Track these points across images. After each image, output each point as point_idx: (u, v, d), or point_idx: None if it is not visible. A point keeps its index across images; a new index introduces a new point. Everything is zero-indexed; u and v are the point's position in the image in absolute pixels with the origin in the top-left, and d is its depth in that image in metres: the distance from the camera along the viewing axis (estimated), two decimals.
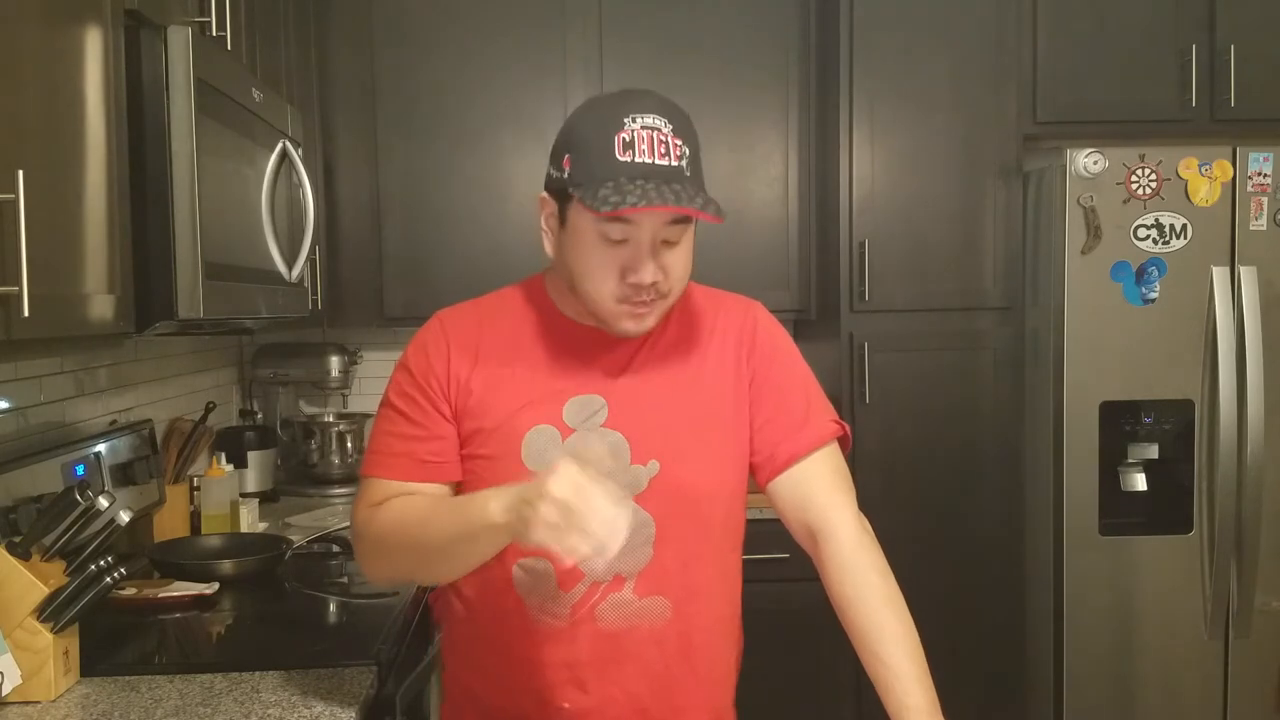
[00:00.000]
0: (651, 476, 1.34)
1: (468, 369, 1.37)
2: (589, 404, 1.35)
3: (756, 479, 1.42)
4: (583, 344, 1.38)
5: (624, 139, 1.25)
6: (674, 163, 1.26)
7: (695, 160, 1.30)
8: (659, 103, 1.29)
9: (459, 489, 1.38)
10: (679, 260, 1.32)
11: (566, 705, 1.35)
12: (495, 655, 1.39)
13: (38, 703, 1.50)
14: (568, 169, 1.29)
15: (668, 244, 1.30)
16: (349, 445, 3.16)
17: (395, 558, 1.35)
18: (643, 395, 1.37)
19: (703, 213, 1.24)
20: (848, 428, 1.44)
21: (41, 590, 1.51)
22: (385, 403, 1.41)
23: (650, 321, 1.34)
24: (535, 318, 1.41)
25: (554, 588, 1.34)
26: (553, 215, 1.35)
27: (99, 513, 1.61)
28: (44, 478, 1.85)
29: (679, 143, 1.28)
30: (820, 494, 1.37)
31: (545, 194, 1.35)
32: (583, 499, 1.09)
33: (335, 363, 3.23)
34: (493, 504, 1.19)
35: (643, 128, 1.26)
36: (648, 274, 1.28)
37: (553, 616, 1.35)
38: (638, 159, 1.25)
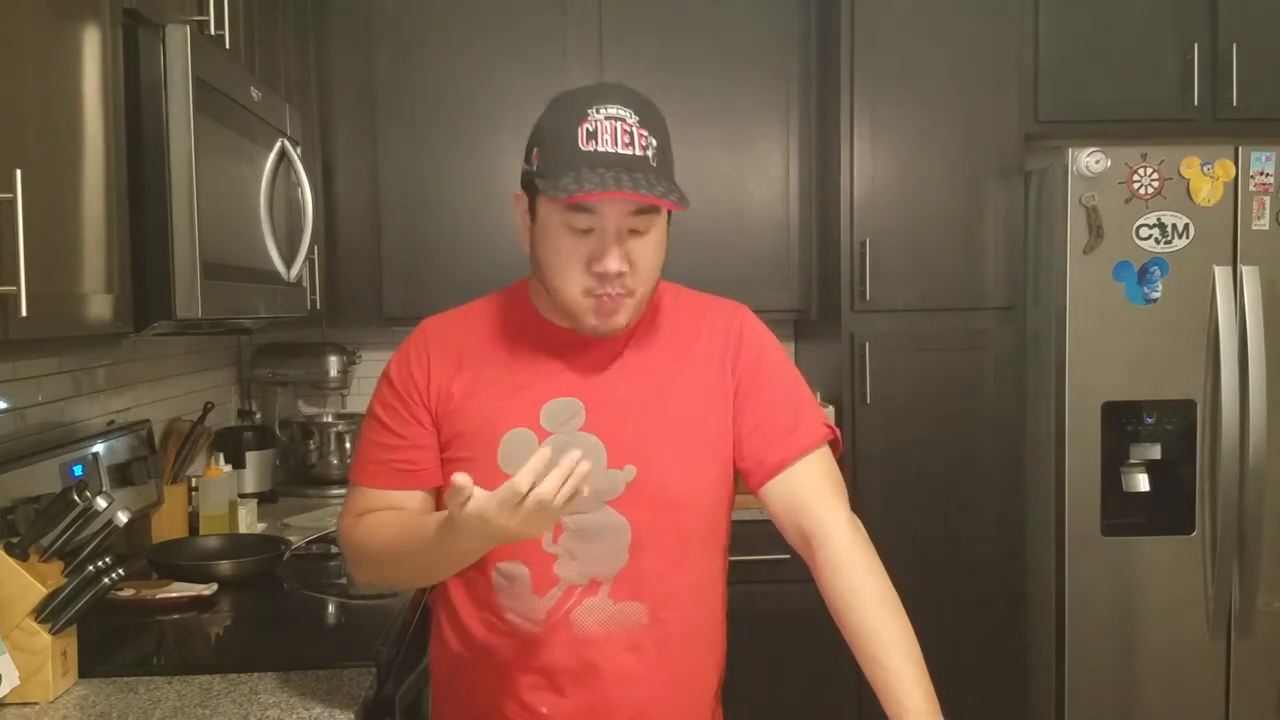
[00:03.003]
0: (628, 481, 1.33)
1: (449, 375, 1.37)
2: (567, 407, 1.34)
3: (748, 484, 1.40)
4: (563, 346, 1.37)
5: (587, 129, 1.25)
6: (638, 152, 1.25)
7: (663, 152, 1.29)
8: (626, 94, 1.29)
9: (440, 493, 1.37)
10: (647, 253, 1.30)
11: (544, 710, 1.35)
12: (477, 660, 1.39)
13: (35, 704, 1.49)
14: (535, 163, 1.30)
15: (635, 234, 1.28)
16: (348, 446, 3.15)
17: (376, 569, 1.39)
18: (622, 398, 1.35)
19: (662, 199, 1.23)
20: (838, 431, 1.43)
21: (39, 591, 1.50)
22: (370, 412, 1.42)
23: (619, 320, 1.32)
24: (516, 321, 1.41)
25: (529, 593, 1.34)
26: (525, 211, 1.35)
27: (97, 513, 1.60)
28: (42, 478, 1.85)
29: (644, 133, 1.27)
30: (813, 498, 1.36)
31: (519, 190, 1.36)
32: (528, 500, 1.09)
33: (334, 363, 3.23)
34: (469, 543, 1.19)
35: (606, 118, 1.26)
36: (612, 263, 1.26)
37: (529, 622, 1.35)
38: (600, 148, 1.24)
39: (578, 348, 1.37)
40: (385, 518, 1.36)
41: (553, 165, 1.26)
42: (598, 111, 1.26)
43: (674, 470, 1.35)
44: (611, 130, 1.25)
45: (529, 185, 1.32)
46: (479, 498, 1.10)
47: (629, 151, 1.25)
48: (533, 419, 1.33)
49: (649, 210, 1.28)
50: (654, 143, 1.27)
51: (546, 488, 1.08)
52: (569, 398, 1.35)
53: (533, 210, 1.33)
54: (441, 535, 1.20)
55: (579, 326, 1.33)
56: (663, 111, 1.35)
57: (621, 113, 1.26)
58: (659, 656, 1.36)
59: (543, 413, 1.34)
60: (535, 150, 1.31)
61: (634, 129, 1.26)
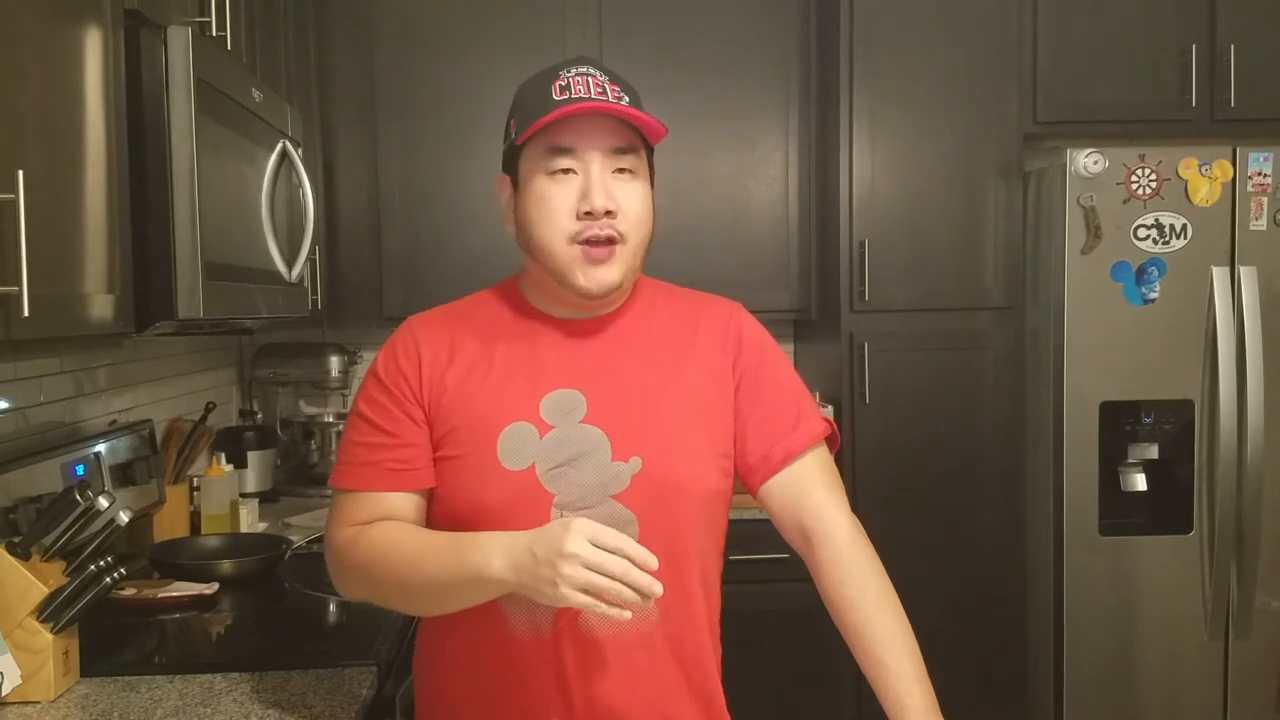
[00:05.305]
0: (634, 473, 1.29)
1: (441, 369, 1.33)
2: (567, 399, 1.31)
3: (749, 483, 1.38)
4: (560, 338, 1.35)
5: (559, 85, 1.28)
6: (611, 97, 1.27)
7: (637, 105, 1.31)
8: (596, 64, 1.32)
9: (431, 494, 1.34)
10: (633, 199, 1.30)
11: None
12: (477, 672, 1.32)
13: (37, 703, 1.50)
14: (512, 130, 1.32)
15: (621, 175, 1.29)
16: None
17: (377, 589, 1.32)
18: (623, 390, 1.33)
19: (641, 114, 1.25)
20: (835, 425, 1.42)
21: (41, 590, 1.51)
22: (354, 411, 1.37)
23: (610, 274, 1.29)
24: (510, 314, 1.38)
25: (535, 601, 1.25)
26: (509, 191, 1.35)
27: (99, 513, 1.61)
28: (44, 478, 1.85)
29: (616, 88, 1.29)
30: (814, 493, 1.35)
31: (502, 174, 1.36)
32: (608, 548, 1.11)
33: (335, 363, 3.23)
34: (496, 561, 1.17)
35: (577, 74, 1.29)
36: (598, 197, 1.26)
37: (536, 627, 1.28)
38: (574, 96, 1.26)
39: (575, 338, 1.35)
40: (403, 532, 1.29)
41: (527, 118, 1.28)
42: (569, 70, 1.29)
43: (680, 461, 1.31)
44: (584, 81, 1.28)
45: (509, 161, 1.34)
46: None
47: (602, 97, 1.27)
48: (532, 412, 1.30)
49: (630, 150, 1.29)
50: (626, 97, 1.29)
51: (635, 550, 1.12)
52: (569, 390, 1.31)
53: (516, 183, 1.33)
54: (471, 550, 1.20)
55: (569, 287, 1.29)
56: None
57: (592, 71, 1.30)
58: (671, 652, 1.32)
59: (542, 405, 1.31)
60: (512, 121, 1.33)
61: (605, 83, 1.29)
